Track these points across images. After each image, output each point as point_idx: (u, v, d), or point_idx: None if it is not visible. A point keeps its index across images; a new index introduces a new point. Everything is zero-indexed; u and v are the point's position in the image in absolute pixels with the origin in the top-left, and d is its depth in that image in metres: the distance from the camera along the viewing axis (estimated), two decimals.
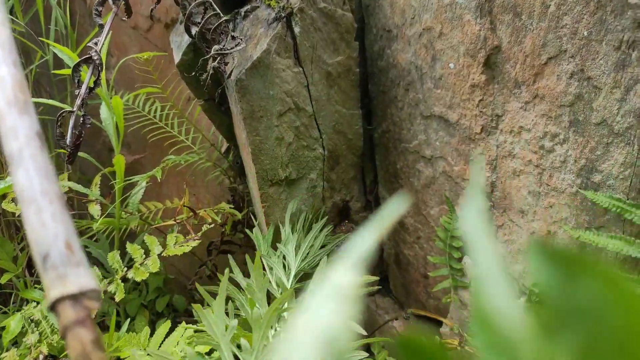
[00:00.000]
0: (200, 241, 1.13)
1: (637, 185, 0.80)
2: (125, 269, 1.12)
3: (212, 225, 1.23)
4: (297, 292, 0.98)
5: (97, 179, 1.36)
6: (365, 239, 0.18)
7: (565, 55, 0.81)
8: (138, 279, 1.01)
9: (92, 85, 1.05)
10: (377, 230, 0.19)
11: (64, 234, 0.35)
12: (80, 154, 1.48)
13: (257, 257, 0.85)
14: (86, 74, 1.06)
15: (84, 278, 0.34)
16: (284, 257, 1.05)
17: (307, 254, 1.05)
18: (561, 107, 0.85)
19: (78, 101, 1.04)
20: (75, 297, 0.33)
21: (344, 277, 0.17)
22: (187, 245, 1.10)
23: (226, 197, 1.64)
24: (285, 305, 0.80)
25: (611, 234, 0.82)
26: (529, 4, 0.83)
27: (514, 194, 1.00)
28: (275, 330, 0.77)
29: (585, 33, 0.77)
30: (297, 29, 1.05)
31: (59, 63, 1.60)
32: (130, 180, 1.31)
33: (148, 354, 0.96)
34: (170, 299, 1.62)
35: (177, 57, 1.18)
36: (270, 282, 0.94)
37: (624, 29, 0.73)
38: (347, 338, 0.16)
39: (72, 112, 1.03)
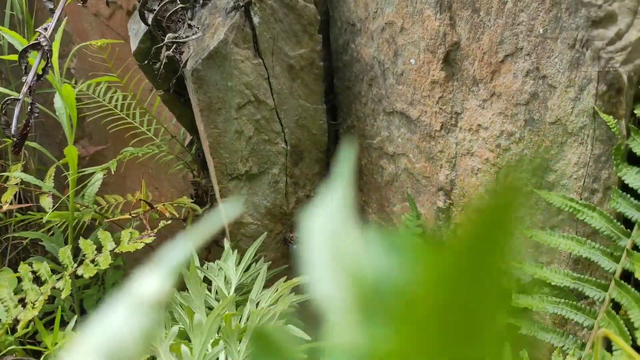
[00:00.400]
0: (154, 237, 1.10)
1: (590, 185, 0.80)
2: (76, 265, 1.08)
3: (170, 222, 1.20)
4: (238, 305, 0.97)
5: (52, 171, 1.31)
6: (179, 249, 0.17)
7: (522, 53, 0.80)
8: (87, 276, 0.97)
9: (40, 72, 1.01)
10: (191, 241, 0.17)
11: None
12: (34, 145, 1.43)
13: (193, 265, 0.82)
14: (35, 60, 1.02)
15: None
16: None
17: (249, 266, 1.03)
18: (517, 106, 0.84)
19: (24, 88, 0.99)
20: None
21: (149, 286, 0.16)
22: (141, 242, 1.06)
23: (190, 190, 1.61)
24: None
25: (564, 234, 0.82)
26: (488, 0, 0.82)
27: (472, 192, 1.00)
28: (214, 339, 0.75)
29: (541, 30, 0.77)
30: (256, 19, 1.03)
31: (14, 49, 1.53)
32: (84, 172, 1.26)
33: None
34: None
35: (134, 45, 1.14)
36: (208, 293, 0.93)
37: (578, 27, 0.73)
38: (135, 348, 0.15)
39: (17, 99, 0.99)
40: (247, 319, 0.84)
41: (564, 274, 0.78)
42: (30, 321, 1.01)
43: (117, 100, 1.48)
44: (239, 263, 1.00)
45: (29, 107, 1.01)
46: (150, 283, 0.19)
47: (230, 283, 0.95)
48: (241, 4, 0.99)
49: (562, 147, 0.80)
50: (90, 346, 0.17)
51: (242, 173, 1.20)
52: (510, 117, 0.86)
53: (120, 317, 0.18)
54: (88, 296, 1.54)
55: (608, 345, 0.71)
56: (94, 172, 1.27)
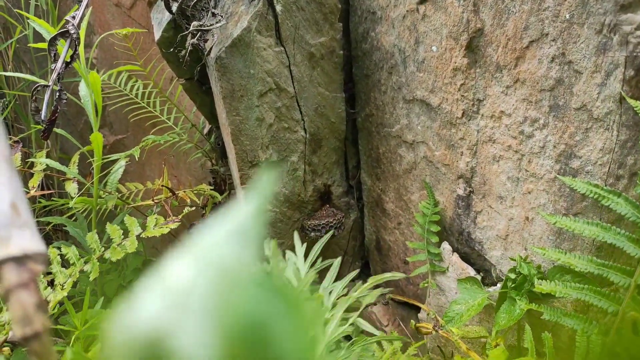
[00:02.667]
0: (179, 223, 1.12)
1: (615, 171, 0.80)
2: (103, 248, 1.11)
3: (193, 208, 1.22)
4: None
5: (76, 158, 1.33)
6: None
7: (547, 38, 0.80)
8: (114, 259, 0.99)
9: (68, 59, 1.03)
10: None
11: (10, 194, 0.33)
12: (60, 131, 1.46)
13: (274, 244, 0.84)
14: (63, 48, 1.04)
15: (29, 241, 0.33)
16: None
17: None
18: (542, 92, 0.84)
19: (53, 75, 1.01)
20: (18, 260, 0.32)
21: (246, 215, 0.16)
22: (167, 227, 1.08)
23: (208, 179, 1.63)
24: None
25: (588, 221, 0.82)
26: None
27: (494, 179, 1.00)
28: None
29: (567, 16, 0.76)
30: (278, 7, 1.03)
31: (39, 38, 1.56)
32: (108, 158, 1.28)
33: None
34: None
35: (157, 34, 1.16)
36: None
37: (605, 12, 0.72)
38: (246, 269, 0.15)
39: (47, 86, 1.01)
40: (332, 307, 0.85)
41: (589, 260, 0.79)
42: (56, 303, 1.03)
43: (137, 90, 1.50)
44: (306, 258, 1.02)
45: (57, 94, 1.03)
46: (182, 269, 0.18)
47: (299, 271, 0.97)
48: None
49: (587, 133, 0.80)
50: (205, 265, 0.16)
51: (263, 160, 1.21)
52: (535, 103, 0.86)
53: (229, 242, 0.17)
54: (109, 281, 1.57)
55: (634, 331, 0.72)
56: (117, 160, 1.30)
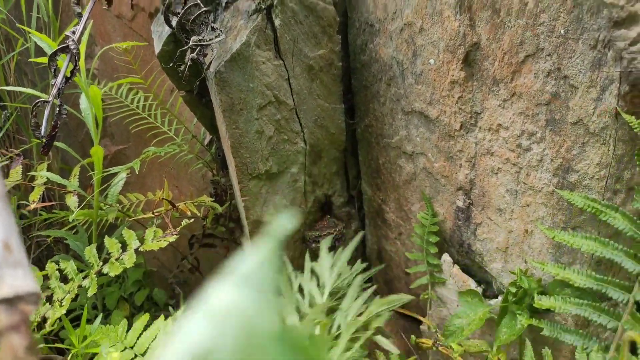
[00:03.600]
0: (177, 236, 1.12)
1: (612, 186, 0.80)
2: (101, 263, 1.11)
3: (192, 220, 1.22)
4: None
5: (77, 170, 1.34)
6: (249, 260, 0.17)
7: (543, 53, 0.80)
8: (112, 274, 0.99)
9: (68, 74, 1.04)
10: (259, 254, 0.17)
11: (2, 233, 0.34)
12: (60, 144, 1.46)
13: (285, 273, 0.84)
14: (63, 63, 1.04)
15: (21, 280, 0.33)
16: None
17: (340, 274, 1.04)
18: (538, 106, 0.84)
19: (54, 91, 1.02)
20: (10, 301, 0.32)
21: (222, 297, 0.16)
22: (165, 240, 1.08)
23: (209, 189, 1.63)
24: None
25: (586, 235, 0.82)
26: (508, 0, 0.82)
27: (492, 191, 1.00)
28: None
29: (562, 31, 0.77)
30: (277, 22, 1.04)
31: (41, 51, 1.57)
32: (109, 171, 1.29)
33: (122, 349, 0.95)
34: (150, 293, 1.61)
35: (157, 48, 1.16)
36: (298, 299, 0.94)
37: (599, 28, 0.72)
38: (266, 324, 0.15)
39: (47, 102, 1.02)
40: (339, 327, 0.85)
41: (587, 275, 0.78)
42: (56, 320, 1.04)
43: (139, 101, 1.51)
44: (333, 266, 1.02)
45: (57, 109, 1.04)
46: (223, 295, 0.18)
47: (324, 287, 0.97)
48: (263, 6, 1.00)
49: (584, 147, 0.80)
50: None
51: (263, 172, 1.22)
52: (531, 117, 0.86)
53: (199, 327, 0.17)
54: (110, 294, 1.57)
55: (633, 349, 0.71)
56: (118, 172, 1.30)
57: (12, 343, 0.28)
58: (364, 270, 1.10)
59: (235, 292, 0.16)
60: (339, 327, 0.87)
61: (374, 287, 1.05)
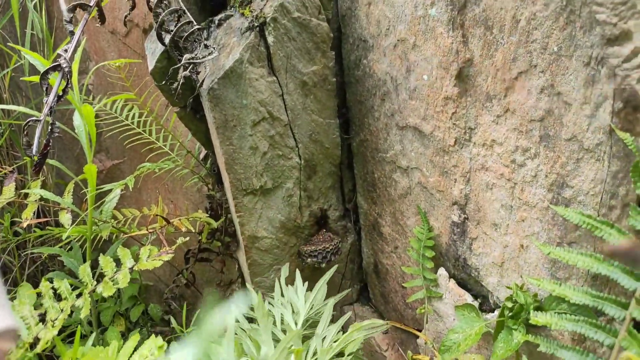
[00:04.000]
0: (173, 255, 1.11)
1: (607, 202, 0.79)
2: (95, 282, 1.10)
3: (188, 239, 1.21)
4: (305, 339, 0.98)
5: (70, 186, 1.33)
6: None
7: (536, 70, 0.80)
8: (105, 295, 0.99)
9: (60, 92, 1.03)
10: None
11: None
12: (54, 162, 1.46)
13: (260, 297, 0.83)
14: (55, 81, 1.04)
15: (0, 319, 0.32)
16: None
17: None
18: (532, 122, 0.84)
19: (45, 109, 1.01)
20: None
21: None
22: (160, 259, 1.08)
23: (205, 203, 1.62)
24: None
25: (582, 252, 0.81)
26: (500, 17, 0.82)
27: (487, 206, 1.00)
28: None
29: (555, 48, 0.77)
30: (270, 39, 1.04)
31: (35, 68, 1.57)
32: (102, 188, 1.28)
33: None
34: (145, 308, 1.59)
35: (151, 65, 1.16)
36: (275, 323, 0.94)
37: (592, 45, 0.72)
38: None
39: (39, 120, 1.01)
40: (314, 354, 0.84)
41: (583, 292, 0.78)
42: (48, 340, 1.02)
43: (133, 117, 1.50)
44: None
45: (50, 127, 1.03)
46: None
47: (298, 314, 0.96)
48: (256, 24, 1.00)
49: (578, 163, 0.80)
50: None
51: (257, 188, 1.21)
52: (525, 133, 0.86)
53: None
54: (105, 309, 1.56)
55: None
56: (112, 188, 1.30)
57: None
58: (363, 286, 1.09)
59: None
60: (314, 354, 0.86)
61: (349, 314, 1.05)
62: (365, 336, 0.93)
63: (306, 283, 1.11)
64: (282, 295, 1.07)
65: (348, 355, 0.84)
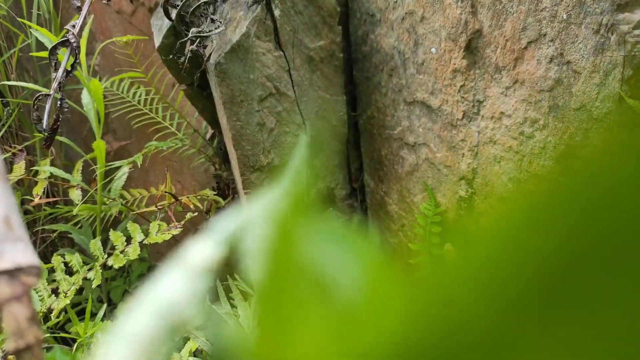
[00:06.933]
0: (181, 229, 1.12)
1: None
2: (106, 256, 1.12)
3: (196, 214, 1.23)
4: None
5: (79, 165, 1.34)
6: (232, 219, 0.18)
7: (545, 39, 0.80)
8: (117, 266, 1.00)
9: (69, 68, 1.04)
10: (244, 212, 0.18)
11: (2, 209, 0.34)
12: (64, 139, 1.47)
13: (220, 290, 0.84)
14: (64, 57, 1.04)
15: (22, 254, 0.33)
16: None
17: None
18: (541, 92, 0.84)
19: (54, 84, 1.02)
20: (11, 273, 0.32)
21: (200, 253, 0.17)
22: (169, 233, 1.09)
23: (212, 183, 1.63)
24: None
25: None
26: None
27: (495, 180, 0.99)
28: None
29: (565, 16, 0.76)
30: (277, 12, 1.04)
31: (42, 46, 1.57)
32: (111, 165, 1.29)
33: None
34: None
35: (157, 41, 1.16)
36: None
37: (602, 11, 0.72)
38: (190, 310, 0.16)
39: (48, 95, 1.02)
40: None
41: None
42: (61, 311, 1.04)
43: (140, 96, 1.51)
44: None
45: (59, 102, 1.04)
46: (202, 250, 0.20)
47: None
48: None
49: (587, 133, 0.80)
50: (146, 307, 0.18)
51: (264, 165, 1.21)
52: (534, 104, 0.85)
53: (174, 281, 0.18)
54: (114, 287, 1.58)
55: None
56: (120, 166, 1.30)
57: (15, 313, 0.28)
58: None
59: (214, 250, 0.17)
60: None
61: None
62: None
63: None
64: None
65: None
